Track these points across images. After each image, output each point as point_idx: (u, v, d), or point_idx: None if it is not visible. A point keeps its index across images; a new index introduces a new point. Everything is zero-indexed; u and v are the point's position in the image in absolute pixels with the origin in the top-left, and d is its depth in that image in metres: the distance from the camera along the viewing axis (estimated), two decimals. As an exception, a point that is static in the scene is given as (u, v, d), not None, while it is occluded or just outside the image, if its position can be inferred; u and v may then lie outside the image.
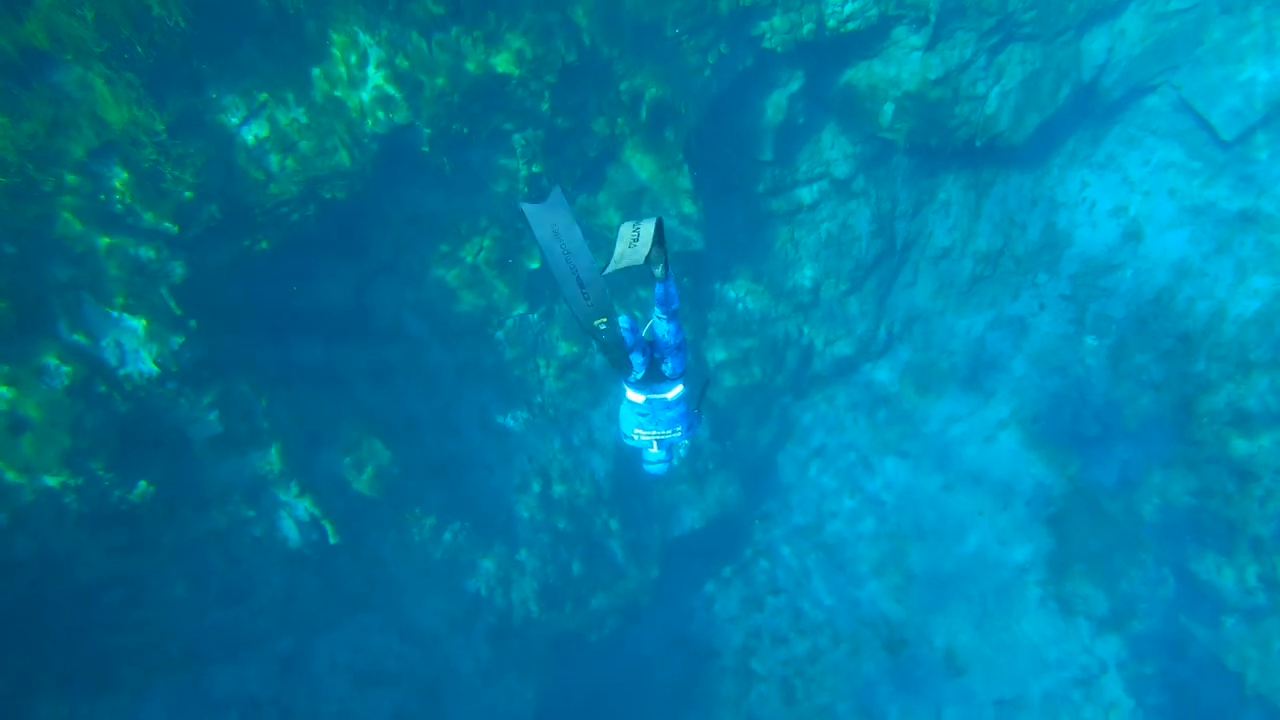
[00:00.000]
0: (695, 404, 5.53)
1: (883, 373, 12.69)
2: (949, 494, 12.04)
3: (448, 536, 10.60)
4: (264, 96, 7.91)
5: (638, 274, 5.32)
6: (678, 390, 5.30)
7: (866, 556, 12.11)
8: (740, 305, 12.08)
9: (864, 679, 11.70)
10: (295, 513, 9.00)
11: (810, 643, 12.10)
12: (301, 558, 9.30)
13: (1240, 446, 10.24)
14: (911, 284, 12.28)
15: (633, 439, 5.58)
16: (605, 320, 4.67)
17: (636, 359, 5.06)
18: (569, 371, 11.18)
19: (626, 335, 4.84)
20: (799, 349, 12.47)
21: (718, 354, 12.07)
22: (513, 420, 11.05)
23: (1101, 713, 10.64)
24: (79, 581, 7.86)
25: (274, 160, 8.10)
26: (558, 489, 11.19)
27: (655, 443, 5.55)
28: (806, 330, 12.43)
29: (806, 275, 11.83)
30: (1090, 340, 11.48)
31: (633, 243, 4.49)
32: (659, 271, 4.59)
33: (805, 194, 11.39)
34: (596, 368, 11.27)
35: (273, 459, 8.79)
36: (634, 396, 5.38)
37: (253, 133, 7.99)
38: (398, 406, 10.31)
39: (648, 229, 4.45)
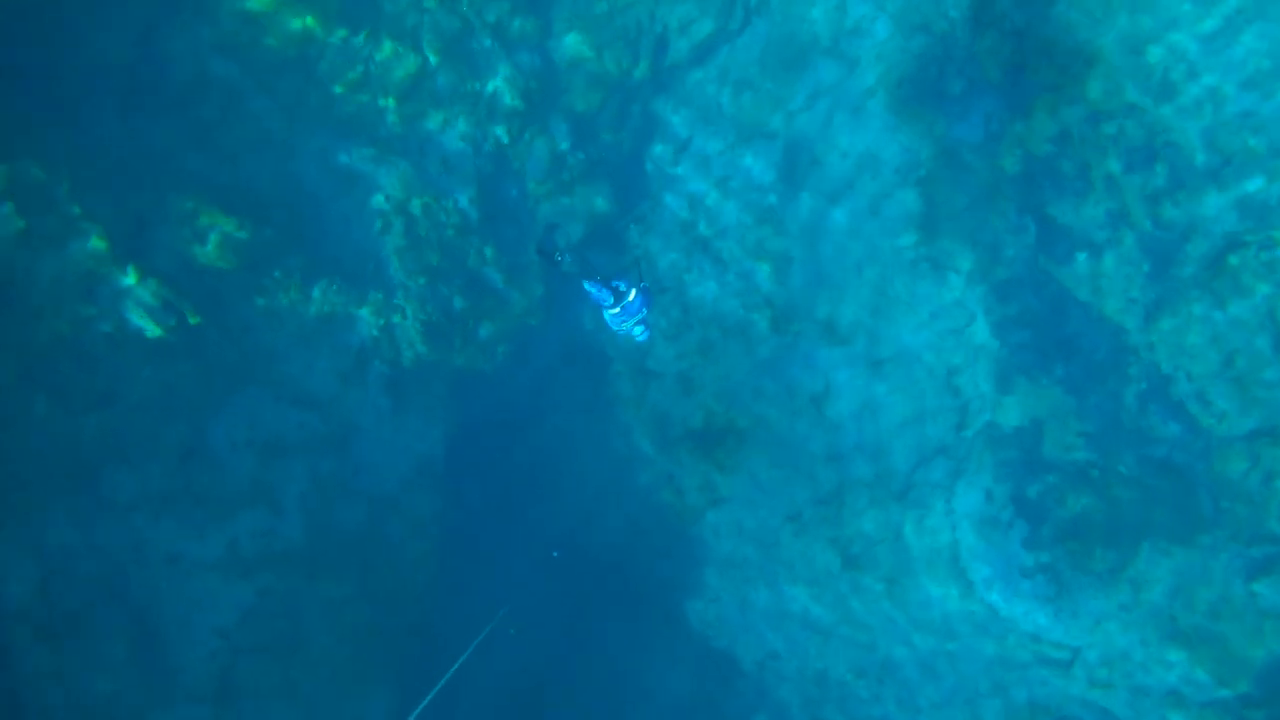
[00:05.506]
0: (640, 281, 8.17)
1: (743, 52, 12.03)
2: (820, 169, 11.99)
3: (317, 294, 10.05)
4: None
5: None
6: (634, 294, 8.03)
7: (745, 244, 12.20)
8: (587, -8, 10.99)
9: (754, 360, 12.33)
10: (142, 300, 8.20)
11: (700, 334, 12.50)
12: (166, 345, 8.68)
13: (1095, 86, 10.35)
14: (766, -50, 11.29)
15: (620, 329, 8.36)
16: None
17: (607, 299, 8.06)
18: (410, 98, 10.13)
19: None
20: (653, 37, 11.61)
21: (568, 53, 11.12)
22: (359, 160, 10.13)
23: (971, 355, 11.62)
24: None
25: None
26: (423, 225, 10.59)
27: (633, 325, 8.24)
28: (659, 13, 11.50)
29: (655, -48, 10.68)
30: (953, -10, 11.02)
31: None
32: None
33: None
34: (439, 87, 10.24)
35: (97, 247, 7.81)
36: (611, 310, 8.15)
37: None
38: (228, 166, 9.22)
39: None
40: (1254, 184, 9.88)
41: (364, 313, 10.35)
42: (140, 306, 8.20)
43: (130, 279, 8.07)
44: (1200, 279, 10.27)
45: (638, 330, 8.36)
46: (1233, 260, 10.01)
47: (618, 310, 8.14)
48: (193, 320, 8.51)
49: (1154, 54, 10.10)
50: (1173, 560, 11.01)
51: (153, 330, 8.34)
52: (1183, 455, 10.91)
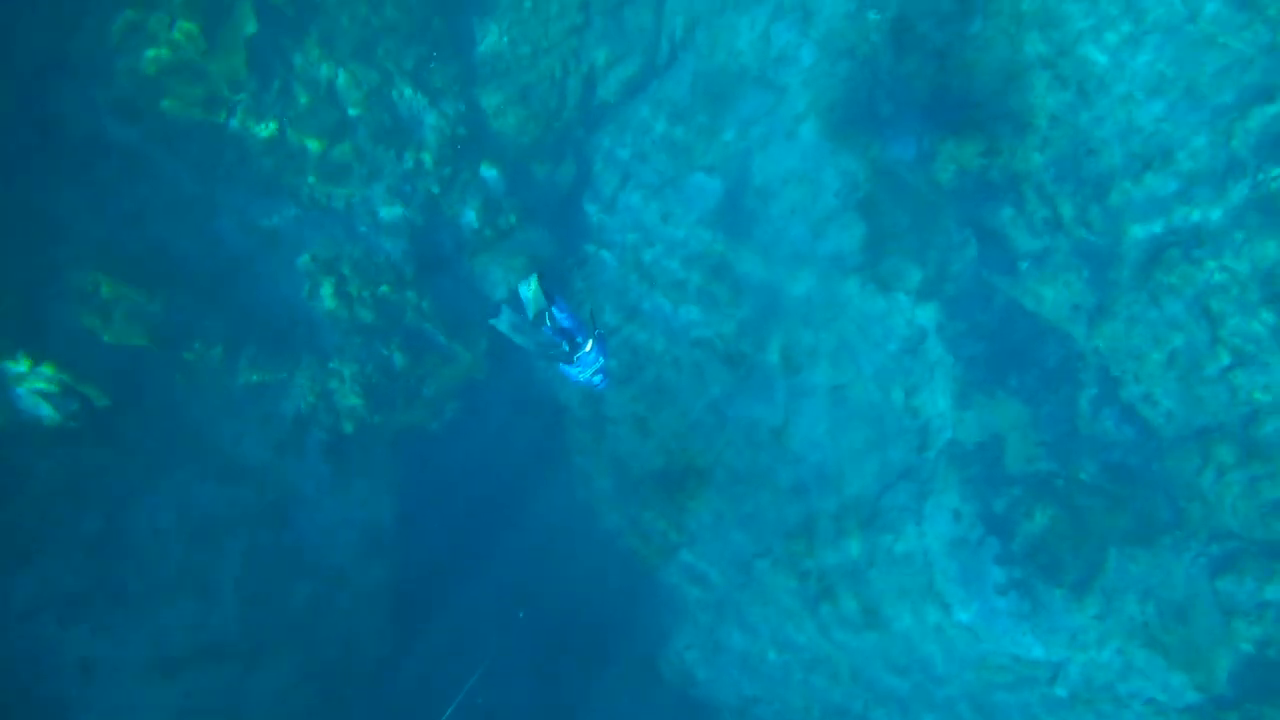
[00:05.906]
0: (595, 329, 7.81)
1: (673, 86, 11.90)
2: (760, 198, 11.86)
3: (244, 363, 9.42)
4: None
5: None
6: (589, 345, 7.68)
7: (690, 281, 11.95)
8: (506, 39, 10.75)
9: (709, 397, 12.02)
10: (37, 386, 7.51)
11: (653, 374, 12.16)
12: (70, 432, 7.94)
13: (1017, 98, 10.45)
14: (687, -17, 11.24)
15: (578, 380, 8.03)
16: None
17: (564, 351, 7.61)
18: (330, 152, 9.69)
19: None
20: (580, 77, 11.40)
21: (493, 98, 10.82)
22: (280, 219, 9.61)
23: (927, 372, 11.52)
24: None
25: None
26: (354, 284, 10.08)
27: (592, 375, 7.95)
28: (584, 53, 11.31)
29: (573, -10, 10.50)
30: (872, 15, 11.06)
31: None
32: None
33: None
34: (360, 139, 9.84)
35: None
36: (566, 364, 7.89)
37: None
38: (137, 233, 8.60)
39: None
40: (1174, 185, 10.00)
41: (297, 378, 9.75)
42: (36, 394, 7.48)
43: (24, 365, 7.36)
44: (1136, 280, 10.33)
45: (596, 379, 8.14)
46: (1164, 260, 10.10)
47: (575, 361, 7.89)
48: (100, 403, 7.81)
49: (1067, 66, 10.24)
50: (1139, 565, 10.93)
51: (52, 418, 7.62)
52: (1138, 458, 10.89)
